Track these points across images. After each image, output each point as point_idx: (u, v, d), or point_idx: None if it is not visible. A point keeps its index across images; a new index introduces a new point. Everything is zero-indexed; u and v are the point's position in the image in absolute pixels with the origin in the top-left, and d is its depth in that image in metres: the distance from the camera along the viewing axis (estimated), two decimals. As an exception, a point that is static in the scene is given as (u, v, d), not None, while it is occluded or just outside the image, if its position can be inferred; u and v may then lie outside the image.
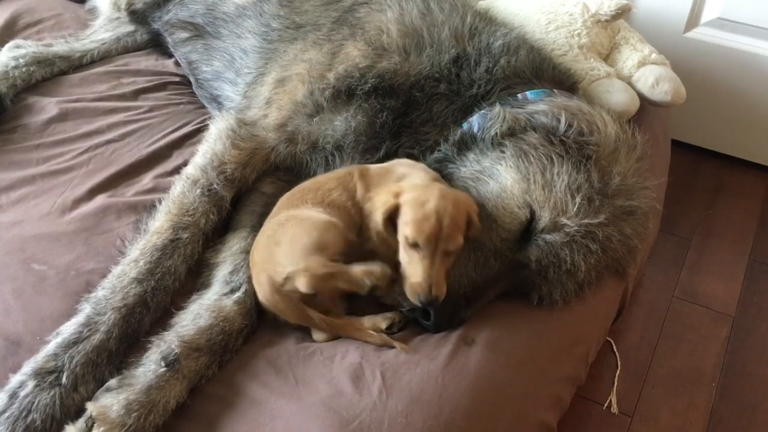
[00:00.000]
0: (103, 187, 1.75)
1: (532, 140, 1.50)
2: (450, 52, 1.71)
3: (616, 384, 1.93)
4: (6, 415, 1.25)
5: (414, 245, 1.35)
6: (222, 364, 1.37)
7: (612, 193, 1.50)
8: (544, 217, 1.44)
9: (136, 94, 2.10)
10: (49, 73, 2.13)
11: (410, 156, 1.67)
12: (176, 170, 1.83)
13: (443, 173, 1.58)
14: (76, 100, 2.02)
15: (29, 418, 1.25)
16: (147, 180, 1.80)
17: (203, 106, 2.10)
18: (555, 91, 1.70)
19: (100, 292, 1.44)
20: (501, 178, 1.49)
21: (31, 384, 1.28)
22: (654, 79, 2.04)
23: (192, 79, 2.16)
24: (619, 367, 1.97)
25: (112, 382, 1.27)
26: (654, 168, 2.08)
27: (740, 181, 2.82)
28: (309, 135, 1.70)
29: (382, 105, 1.66)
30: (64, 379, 1.29)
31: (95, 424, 1.19)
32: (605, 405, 1.90)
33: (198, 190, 1.62)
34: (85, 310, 1.40)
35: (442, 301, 1.38)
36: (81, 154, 1.85)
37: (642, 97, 2.04)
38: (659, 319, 2.18)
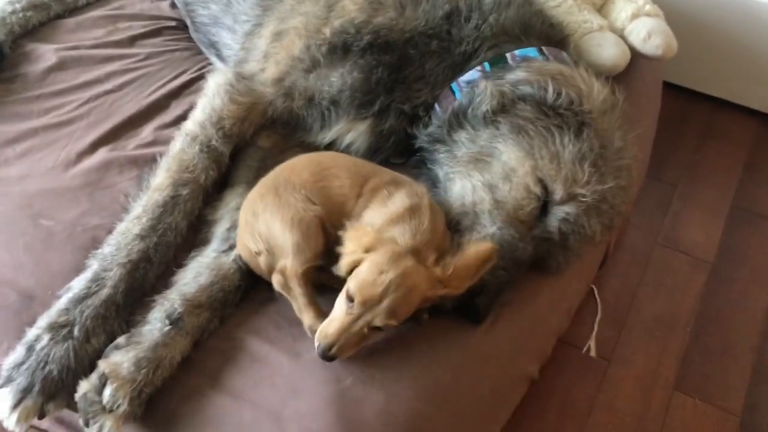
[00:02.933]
0: (104, 140, 1.79)
1: (527, 114, 1.52)
2: (444, 8, 1.72)
3: (596, 329, 2.04)
4: (24, 366, 1.34)
5: (350, 299, 1.29)
6: (223, 319, 1.45)
7: (611, 155, 1.55)
8: (558, 190, 1.47)
9: (133, 40, 2.12)
10: (45, 18, 2.13)
11: (401, 112, 1.71)
12: (175, 121, 1.88)
13: (436, 156, 1.61)
14: (74, 48, 2.04)
15: (46, 369, 1.34)
16: (147, 132, 1.84)
17: (200, 53, 2.12)
18: (544, 48, 1.72)
19: (106, 248, 1.51)
20: (503, 156, 1.51)
21: (46, 337, 1.37)
22: (646, 32, 2.06)
23: (189, 22, 2.17)
24: (600, 313, 2.07)
25: (121, 340, 1.36)
26: (642, 119, 2.13)
27: (729, 125, 2.86)
28: (306, 90, 1.73)
29: (378, 61, 1.68)
30: (76, 332, 1.38)
31: (108, 381, 1.28)
32: (584, 349, 2.01)
33: (197, 147, 1.65)
34: (93, 266, 1.48)
35: (486, 295, 1.42)
36: (81, 105, 1.88)
37: (634, 50, 2.06)
38: (641, 266, 2.27)
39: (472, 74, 1.66)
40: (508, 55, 1.68)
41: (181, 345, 1.37)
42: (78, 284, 1.45)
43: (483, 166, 1.53)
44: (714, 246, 2.37)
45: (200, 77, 1.95)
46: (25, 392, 1.32)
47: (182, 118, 1.89)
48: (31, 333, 1.38)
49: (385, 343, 1.40)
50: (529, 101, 1.54)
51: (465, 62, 1.70)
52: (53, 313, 1.40)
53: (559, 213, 1.49)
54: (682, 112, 2.88)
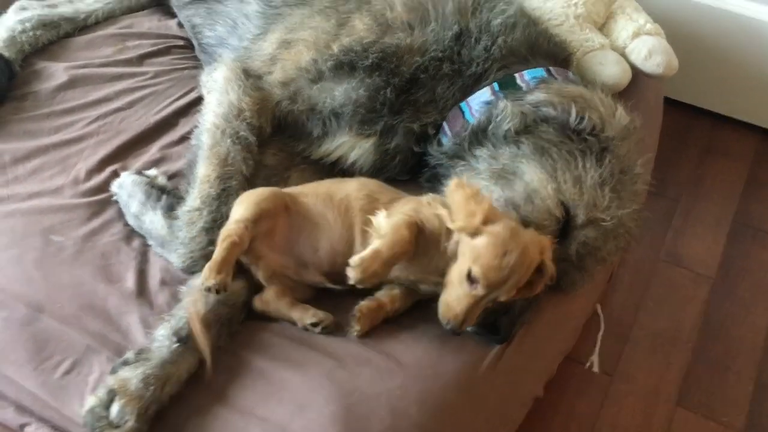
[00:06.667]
0: (113, 158, 1.82)
1: (550, 137, 1.53)
2: (453, 29, 1.74)
3: (598, 345, 2.05)
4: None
5: (472, 281, 1.32)
6: (230, 335, 1.46)
7: (628, 180, 1.57)
8: (580, 215, 1.49)
9: (142, 58, 2.14)
10: (54, 36, 2.16)
11: (409, 131, 1.74)
12: (183, 139, 1.91)
13: (452, 172, 1.62)
14: (84, 66, 2.07)
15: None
16: (154, 150, 1.87)
17: (207, 72, 2.15)
18: (551, 69, 1.75)
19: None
20: (526, 177, 1.51)
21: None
22: (647, 51, 2.08)
23: (195, 43, 2.20)
24: (602, 329, 2.09)
25: (130, 355, 1.38)
26: (645, 136, 2.15)
27: (730, 140, 2.89)
28: (309, 98, 1.75)
29: (386, 83, 1.71)
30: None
31: (116, 397, 1.30)
32: (587, 365, 2.02)
33: (228, 140, 1.68)
34: None
35: (509, 314, 1.44)
36: (91, 123, 1.91)
37: (635, 69, 2.09)
38: (644, 282, 2.29)
39: (482, 94, 1.68)
40: (516, 75, 1.71)
41: (189, 362, 1.39)
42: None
43: (504, 183, 1.54)
44: (716, 261, 2.38)
45: (208, 95, 1.96)
46: None
47: (190, 135, 1.92)
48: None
49: (391, 360, 1.42)
50: (551, 123, 1.55)
51: (474, 83, 1.72)
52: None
53: (579, 236, 1.50)
54: (684, 128, 2.90)
